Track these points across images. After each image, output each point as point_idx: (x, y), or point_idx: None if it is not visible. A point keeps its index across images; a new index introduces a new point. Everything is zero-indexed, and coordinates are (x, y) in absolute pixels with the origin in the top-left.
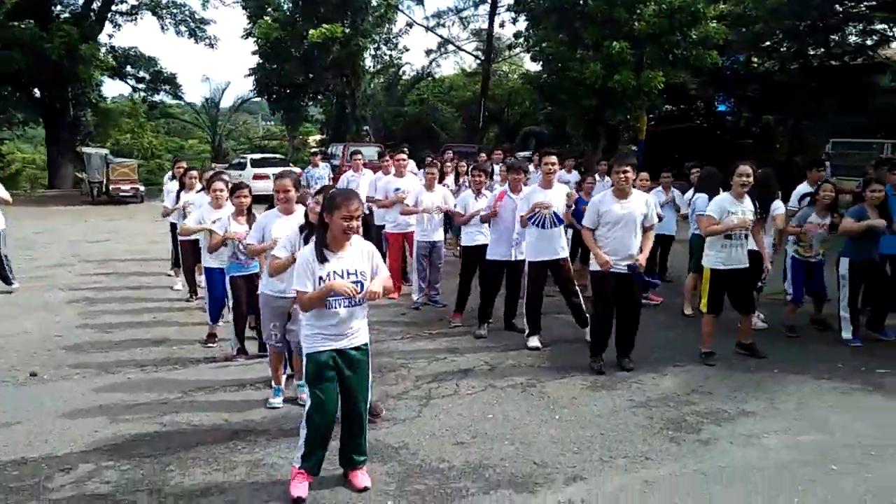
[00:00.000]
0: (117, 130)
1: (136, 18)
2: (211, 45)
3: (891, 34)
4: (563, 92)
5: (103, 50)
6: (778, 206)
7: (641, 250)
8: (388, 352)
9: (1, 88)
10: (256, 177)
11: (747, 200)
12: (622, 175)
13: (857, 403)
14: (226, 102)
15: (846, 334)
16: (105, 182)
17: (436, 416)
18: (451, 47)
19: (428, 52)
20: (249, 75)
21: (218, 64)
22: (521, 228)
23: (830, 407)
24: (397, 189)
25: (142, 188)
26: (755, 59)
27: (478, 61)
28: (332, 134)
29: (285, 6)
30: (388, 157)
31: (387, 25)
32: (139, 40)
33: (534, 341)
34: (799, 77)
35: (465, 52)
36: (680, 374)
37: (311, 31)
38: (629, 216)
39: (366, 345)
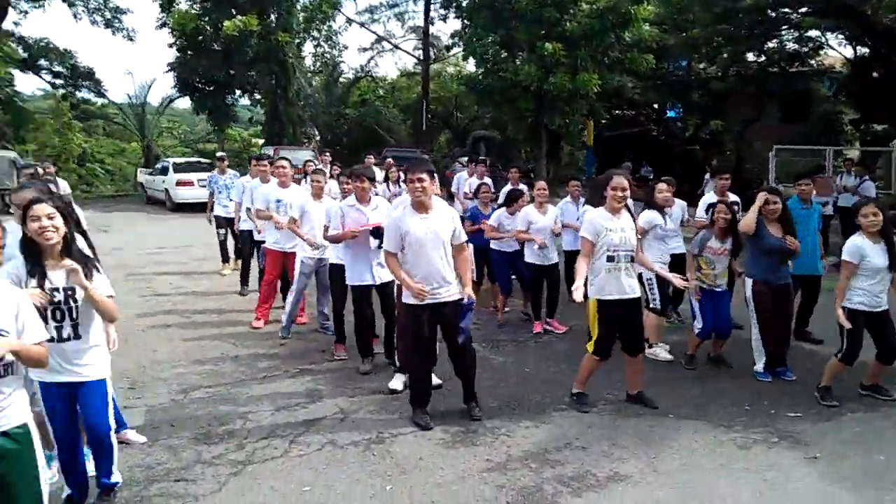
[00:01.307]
0: (37, 131)
1: (43, 4)
2: (130, 38)
3: (823, 41)
4: (500, 94)
5: (10, 41)
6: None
7: (462, 279)
8: (233, 397)
9: None
10: (180, 183)
11: (625, 216)
12: (418, 184)
13: (754, 462)
14: (156, 100)
15: (757, 366)
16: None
17: (242, 490)
18: (388, 45)
19: (363, 50)
20: (168, 71)
21: (143, 59)
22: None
23: (721, 467)
24: (279, 201)
25: None
26: (696, 65)
27: (415, 61)
28: (267, 137)
29: None
30: (254, 162)
31: (321, 21)
32: (51, 32)
33: (395, 382)
34: (738, 83)
35: (402, 50)
36: (560, 422)
37: (226, 23)
38: (434, 234)
39: (22, 426)
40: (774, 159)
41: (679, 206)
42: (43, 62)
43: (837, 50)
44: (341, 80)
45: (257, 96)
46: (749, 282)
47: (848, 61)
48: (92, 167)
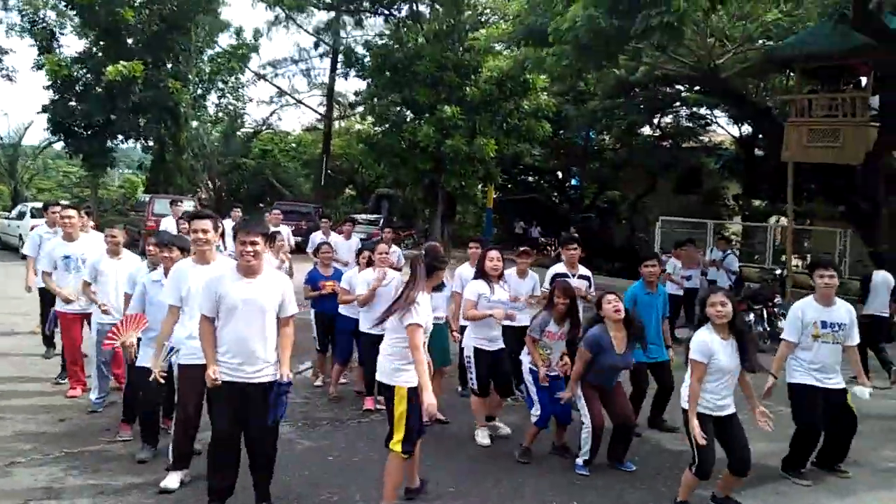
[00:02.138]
0: None
1: None
2: (10, 78)
3: (711, 118)
4: (398, 154)
5: None
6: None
7: (281, 357)
8: None
9: None
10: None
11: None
12: (249, 247)
13: None
14: (35, 142)
15: (578, 460)
16: None
17: None
18: (292, 100)
19: (267, 103)
20: (42, 112)
21: (25, 98)
22: None
23: None
24: (66, 257)
25: None
26: (596, 136)
27: (318, 117)
28: (150, 184)
29: (82, 40)
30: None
31: (228, 74)
32: None
33: (170, 480)
34: (632, 155)
35: (306, 105)
36: None
37: (109, 68)
38: (253, 303)
39: None
40: (660, 230)
41: (530, 278)
42: None
43: (725, 129)
44: (242, 131)
45: (147, 142)
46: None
47: (734, 139)
48: None
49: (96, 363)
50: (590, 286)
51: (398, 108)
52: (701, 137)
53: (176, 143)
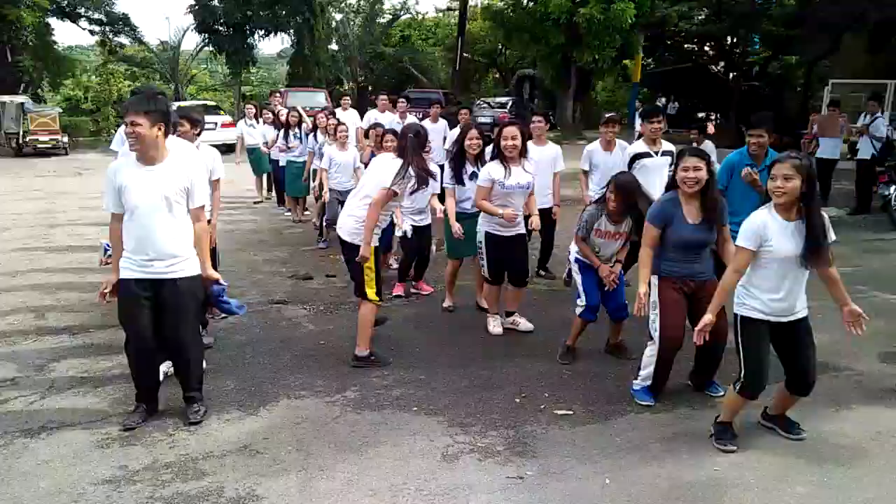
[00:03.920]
0: (77, 78)
1: None
2: None
3: None
4: (527, 29)
5: None
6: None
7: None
8: None
9: None
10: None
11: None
12: (130, 129)
13: (439, 480)
14: (191, 46)
15: (636, 382)
16: (22, 132)
17: None
18: None
19: None
20: (188, 12)
21: (180, 2)
22: None
23: (396, 488)
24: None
25: (64, 139)
26: None
27: None
28: (290, 78)
29: None
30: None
31: None
32: None
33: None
34: (811, 8)
35: None
36: (277, 412)
37: None
38: (153, 192)
39: None
40: (829, 95)
41: (550, 150)
42: (80, 10)
43: None
44: (381, 19)
45: (287, 40)
46: (654, 279)
47: None
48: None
49: None
50: (671, 164)
51: None
52: None
53: (314, 36)
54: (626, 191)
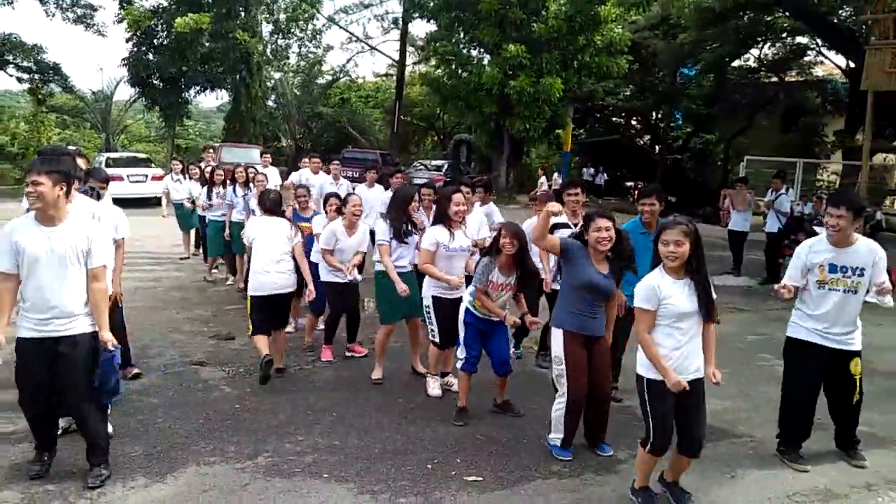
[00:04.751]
0: (5, 124)
1: (11, 1)
2: (100, 33)
3: (813, 47)
4: (462, 98)
5: None
6: None
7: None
8: None
9: None
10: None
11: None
12: (32, 188)
13: None
14: (124, 96)
15: (552, 436)
16: None
17: None
18: (366, 46)
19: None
20: (122, 65)
21: (114, 53)
22: None
23: None
24: None
25: None
26: (691, 71)
27: (390, 61)
28: (226, 134)
29: None
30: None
31: (304, 21)
32: (23, 27)
33: None
34: (728, 90)
35: (379, 51)
36: (185, 479)
37: (177, 21)
38: (52, 252)
39: None
40: (744, 169)
41: (486, 213)
42: (9, 57)
43: (831, 59)
44: (319, 80)
45: (223, 93)
46: (557, 333)
47: (842, 71)
48: None
49: None
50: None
51: (462, 49)
52: (811, 69)
53: (251, 93)
54: (520, 238)
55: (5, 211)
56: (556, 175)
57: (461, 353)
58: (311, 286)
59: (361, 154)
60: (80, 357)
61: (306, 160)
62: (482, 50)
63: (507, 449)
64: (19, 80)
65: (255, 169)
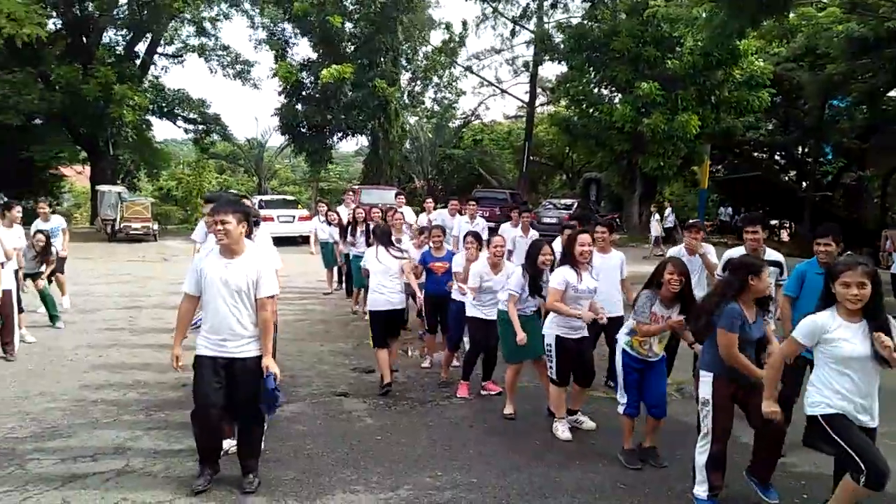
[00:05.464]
0: (172, 169)
1: (182, 61)
2: (256, 86)
3: None
4: (593, 136)
5: (147, 90)
6: None
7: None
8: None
9: (49, 127)
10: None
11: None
12: (220, 227)
13: None
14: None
15: (697, 490)
16: (118, 219)
17: None
18: (497, 90)
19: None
20: (274, 115)
21: (266, 103)
22: None
23: None
24: None
25: (154, 226)
26: (840, 103)
27: (520, 103)
28: (364, 176)
29: (308, 45)
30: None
31: (442, 69)
32: (190, 82)
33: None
34: (883, 123)
35: (510, 94)
36: None
37: (323, 72)
38: (227, 282)
39: None
40: None
41: (615, 257)
42: (178, 110)
43: None
44: (453, 123)
45: (361, 138)
46: (707, 377)
47: None
48: None
49: None
50: (781, 274)
51: (593, 88)
52: None
53: (388, 138)
54: (684, 270)
55: (172, 247)
56: (667, 212)
57: (621, 397)
58: (420, 298)
59: (491, 193)
60: (249, 375)
61: (429, 201)
62: (613, 89)
63: (650, 500)
64: (186, 130)
65: (394, 209)
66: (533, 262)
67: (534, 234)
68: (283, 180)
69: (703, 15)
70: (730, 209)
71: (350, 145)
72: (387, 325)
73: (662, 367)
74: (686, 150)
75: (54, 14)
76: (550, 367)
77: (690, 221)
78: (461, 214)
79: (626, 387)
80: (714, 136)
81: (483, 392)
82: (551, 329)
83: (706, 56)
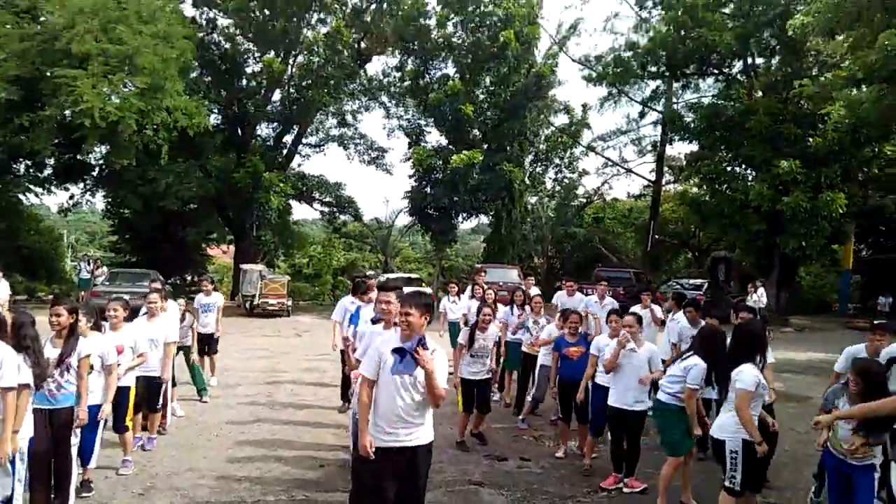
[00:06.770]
0: (306, 248)
1: (323, 150)
2: (388, 171)
3: None
4: (726, 215)
5: (291, 177)
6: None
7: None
8: None
9: (202, 211)
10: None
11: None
12: (403, 318)
13: None
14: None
15: None
16: (257, 296)
17: None
18: (621, 170)
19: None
20: (405, 197)
21: (394, 186)
22: None
23: None
24: None
25: (289, 303)
26: None
27: (645, 182)
28: (486, 255)
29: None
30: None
31: (563, 150)
32: (324, 166)
33: None
34: None
35: (636, 174)
36: None
37: (454, 157)
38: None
39: None
40: None
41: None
42: (316, 194)
43: None
44: (573, 202)
45: (483, 219)
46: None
47: None
48: (342, 279)
49: None
50: None
51: (725, 167)
52: None
53: (511, 218)
54: (868, 376)
55: (304, 323)
56: (760, 291)
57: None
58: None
59: (614, 272)
60: (422, 464)
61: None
62: (747, 167)
63: None
64: (322, 213)
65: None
66: (710, 349)
67: (680, 318)
68: (404, 258)
69: (864, 95)
70: (890, 298)
71: (467, 223)
72: (476, 394)
73: (869, 475)
74: (830, 229)
75: (215, 110)
76: (733, 477)
77: (875, 322)
78: (570, 295)
79: (830, 488)
80: (861, 214)
81: (626, 490)
82: (738, 432)
83: (853, 132)
